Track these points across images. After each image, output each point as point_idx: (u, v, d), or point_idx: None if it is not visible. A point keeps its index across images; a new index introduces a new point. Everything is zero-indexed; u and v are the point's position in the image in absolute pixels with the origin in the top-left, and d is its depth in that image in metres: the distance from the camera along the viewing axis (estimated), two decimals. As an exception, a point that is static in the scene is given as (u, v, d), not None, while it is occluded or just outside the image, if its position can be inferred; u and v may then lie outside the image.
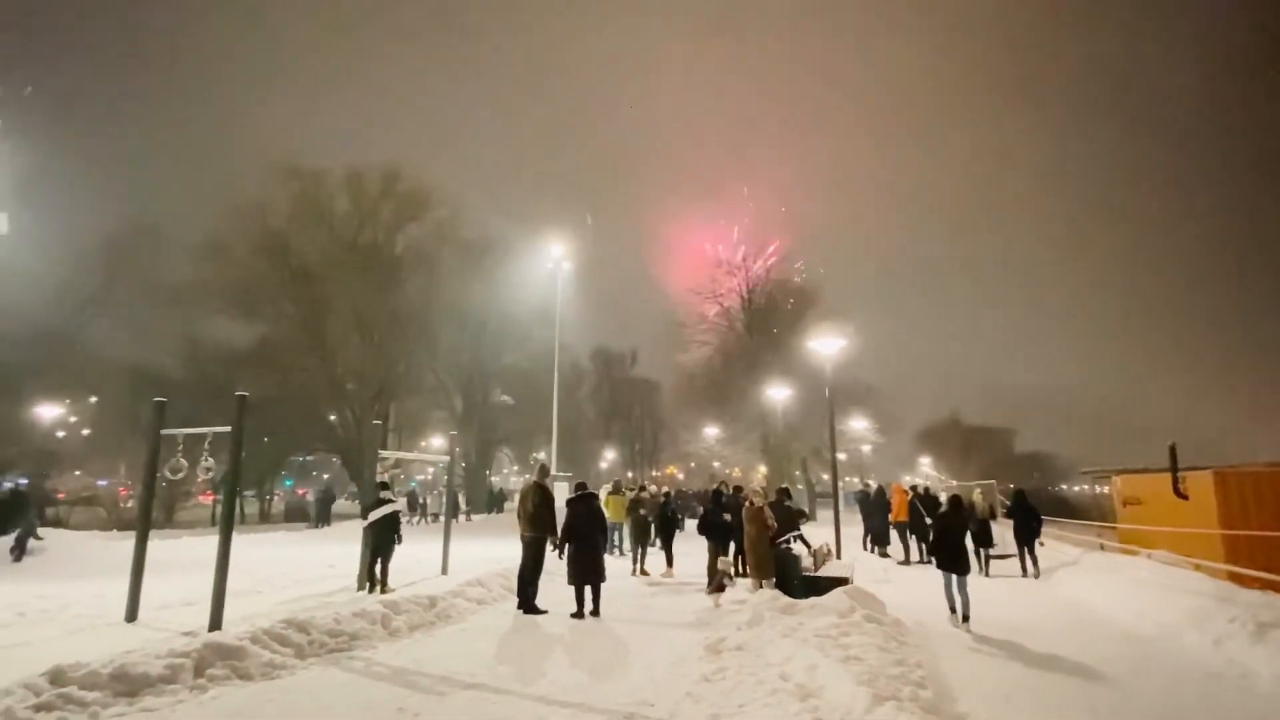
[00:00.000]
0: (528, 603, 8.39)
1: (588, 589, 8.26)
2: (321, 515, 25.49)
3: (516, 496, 9.26)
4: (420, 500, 28.19)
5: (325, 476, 50.43)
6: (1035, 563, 12.54)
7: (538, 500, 8.63)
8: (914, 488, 15.44)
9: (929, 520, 13.39)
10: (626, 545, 15.55)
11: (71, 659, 4.88)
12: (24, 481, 23.46)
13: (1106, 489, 17.62)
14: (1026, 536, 12.65)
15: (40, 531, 14.44)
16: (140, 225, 27.12)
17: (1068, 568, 12.28)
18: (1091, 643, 7.16)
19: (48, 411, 22.55)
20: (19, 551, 13.33)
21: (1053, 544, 14.89)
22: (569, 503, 8.70)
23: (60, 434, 26.21)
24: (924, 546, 14.02)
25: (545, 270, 26.31)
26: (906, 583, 11.36)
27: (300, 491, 44.41)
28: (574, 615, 8.09)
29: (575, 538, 8.33)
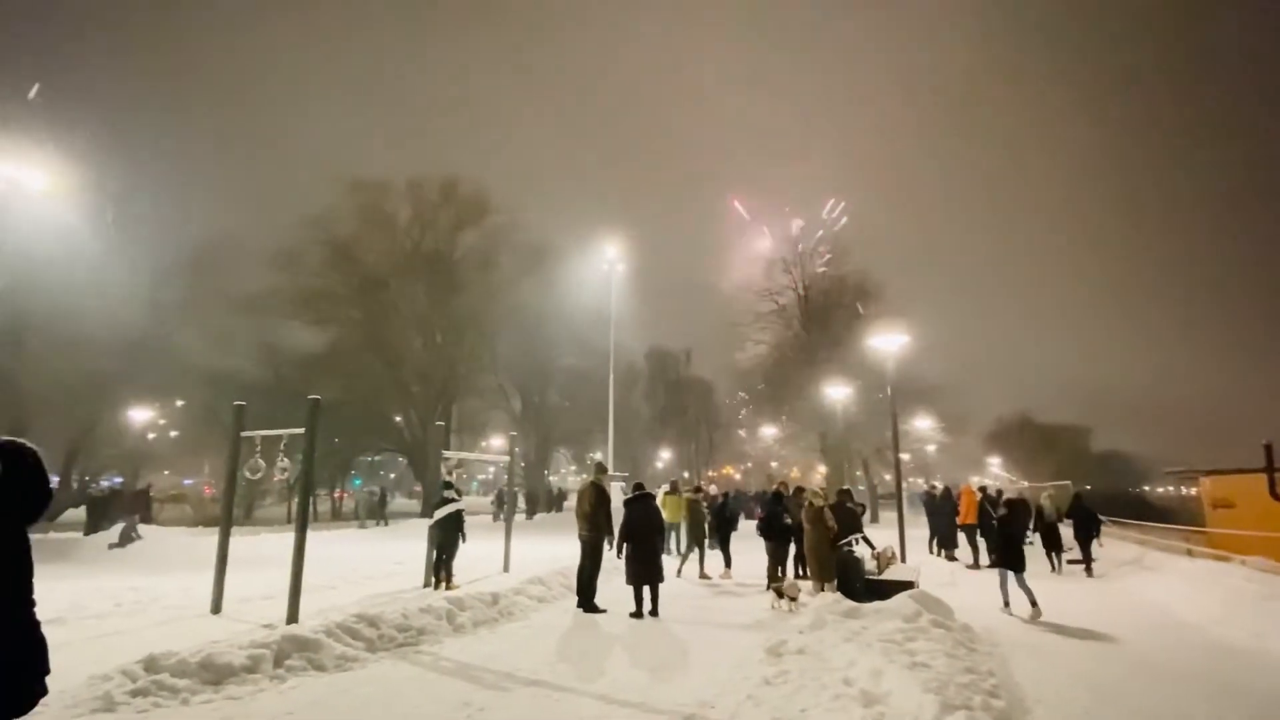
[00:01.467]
0: (587, 601, 8.47)
1: (646, 589, 8.29)
2: (374, 513, 26.40)
3: (574, 496, 9.41)
4: (505, 499, 28.55)
5: (393, 476, 52.03)
6: (1091, 562, 12.72)
7: (594, 500, 8.72)
8: (984, 489, 14.93)
9: (994, 521, 13.35)
10: (683, 546, 15.53)
11: (163, 648, 5.19)
12: (120, 481, 25.15)
13: (1194, 490, 16.62)
14: (1085, 538, 13.03)
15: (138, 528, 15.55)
16: (221, 238, 28.69)
17: (1143, 572, 11.79)
18: (1177, 652, 6.75)
19: (139, 415, 24.05)
20: (124, 542, 14.54)
21: (1120, 544, 14.57)
22: (626, 503, 8.75)
23: (151, 436, 27.95)
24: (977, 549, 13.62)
25: (600, 272, 26.58)
26: (975, 587, 10.95)
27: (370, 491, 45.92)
28: (633, 615, 8.13)
29: (633, 538, 8.37)
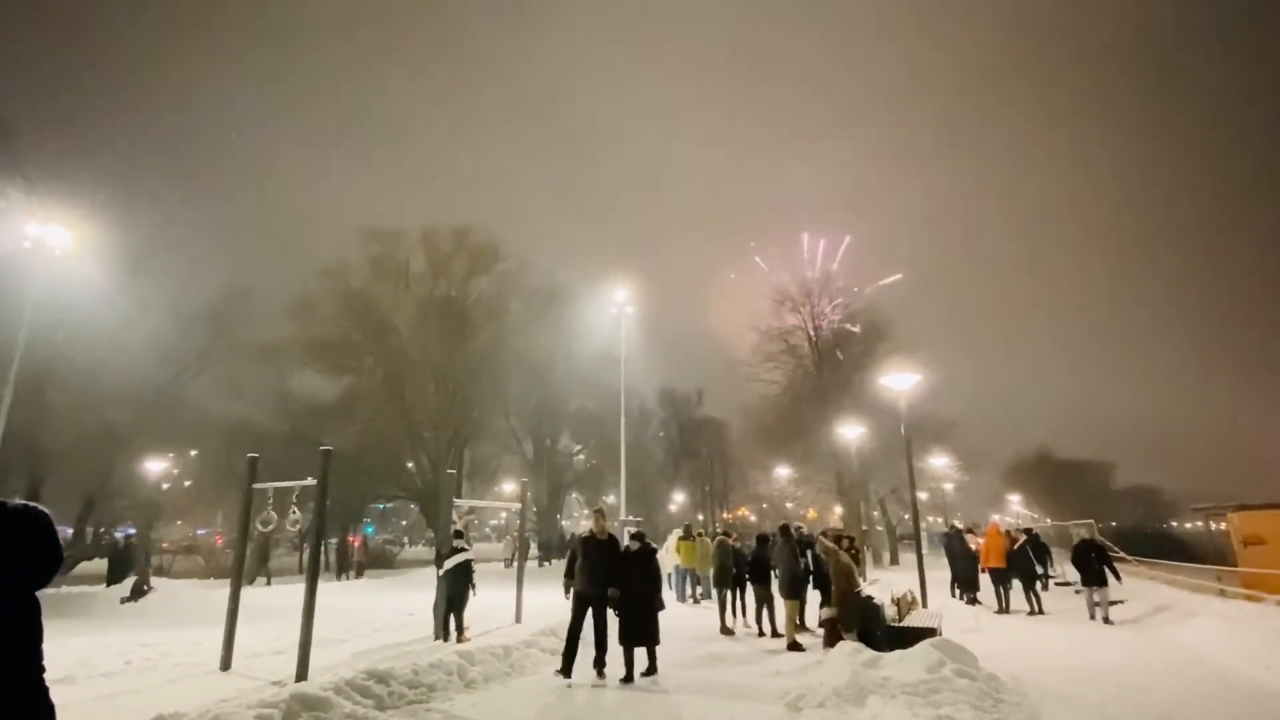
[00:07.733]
0: (597, 657, 8.15)
1: (638, 651, 7.60)
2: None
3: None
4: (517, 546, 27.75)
5: (404, 523, 51.54)
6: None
7: (580, 550, 8.30)
8: (1028, 530, 14.62)
9: (1040, 569, 13.84)
10: (699, 590, 15.25)
11: (171, 708, 5.12)
12: (133, 532, 25.13)
13: (1222, 526, 16.21)
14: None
15: (150, 580, 15.54)
16: (237, 289, 29.14)
17: (1176, 614, 11.44)
18: (1216, 700, 6.49)
19: (154, 466, 24.15)
20: (136, 596, 14.53)
21: (1147, 585, 14.37)
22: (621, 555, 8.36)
23: (165, 486, 27.98)
24: (1035, 595, 13.24)
25: (609, 314, 26.74)
26: (1000, 633, 10.64)
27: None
28: (623, 680, 7.40)
29: (624, 592, 7.67)
